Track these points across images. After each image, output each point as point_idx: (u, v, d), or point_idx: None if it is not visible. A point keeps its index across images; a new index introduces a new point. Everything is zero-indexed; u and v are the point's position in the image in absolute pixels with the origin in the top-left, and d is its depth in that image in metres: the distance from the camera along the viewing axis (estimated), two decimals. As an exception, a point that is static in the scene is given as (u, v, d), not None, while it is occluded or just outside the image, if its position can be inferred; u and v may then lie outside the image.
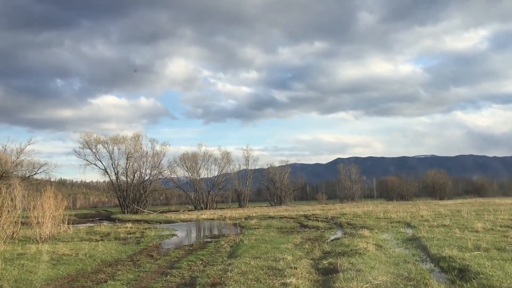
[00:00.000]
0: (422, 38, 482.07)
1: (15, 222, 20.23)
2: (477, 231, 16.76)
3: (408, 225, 21.96)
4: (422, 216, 26.61)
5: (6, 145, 54.29)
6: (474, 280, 8.32)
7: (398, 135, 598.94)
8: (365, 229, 19.27)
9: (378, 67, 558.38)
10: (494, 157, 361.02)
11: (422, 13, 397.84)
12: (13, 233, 19.71)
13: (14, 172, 53.31)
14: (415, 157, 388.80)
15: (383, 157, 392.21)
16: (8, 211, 18.43)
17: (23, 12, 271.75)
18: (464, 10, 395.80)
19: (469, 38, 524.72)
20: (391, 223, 23.41)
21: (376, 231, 19.30)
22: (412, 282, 8.44)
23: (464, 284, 8.22)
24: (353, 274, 9.00)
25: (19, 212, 21.88)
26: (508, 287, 7.48)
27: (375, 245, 13.97)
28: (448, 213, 28.82)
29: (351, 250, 12.60)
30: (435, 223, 21.06)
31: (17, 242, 18.68)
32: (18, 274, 10.97)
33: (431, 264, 11.03)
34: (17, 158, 54.47)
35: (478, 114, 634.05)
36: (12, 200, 20.99)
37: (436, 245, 13.13)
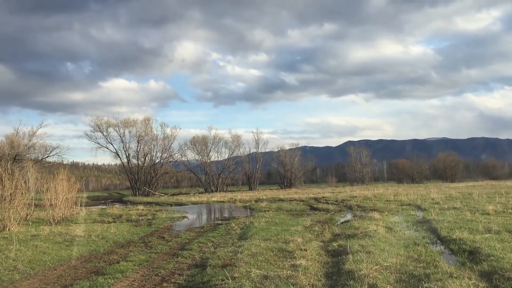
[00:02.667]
0: (433, 19, 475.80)
1: (29, 204, 20.53)
2: (488, 214, 16.68)
3: (419, 207, 21.91)
4: (432, 199, 26.53)
5: (18, 128, 54.85)
6: (484, 262, 8.30)
7: (408, 118, 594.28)
8: (375, 212, 19.28)
9: (389, 49, 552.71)
10: (507, 139, 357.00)
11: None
12: (26, 215, 20.01)
13: (27, 155, 53.94)
14: (425, 139, 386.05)
15: (394, 140, 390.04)
16: (22, 193, 18.70)
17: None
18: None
19: (481, 19, 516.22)
20: (401, 205, 23.37)
21: (386, 213, 19.30)
22: (422, 264, 8.45)
23: (474, 266, 8.20)
24: (362, 256, 9.02)
25: (33, 194, 22.21)
26: (519, 269, 7.45)
27: (385, 227, 13.97)
28: (459, 196, 28.69)
29: (361, 233, 12.62)
30: (446, 206, 20.99)
31: (30, 224, 18.96)
32: (32, 255, 11.16)
33: (441, 246, 11.03)
34: (29, 141, 55.09)
35: (489, 96, 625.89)
36: (25, 182, 21.26)
37: (447, 228, 13.10)
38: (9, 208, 16.68)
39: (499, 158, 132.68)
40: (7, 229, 16.10)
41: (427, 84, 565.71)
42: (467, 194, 30.56)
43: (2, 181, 16.84)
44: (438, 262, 8.62)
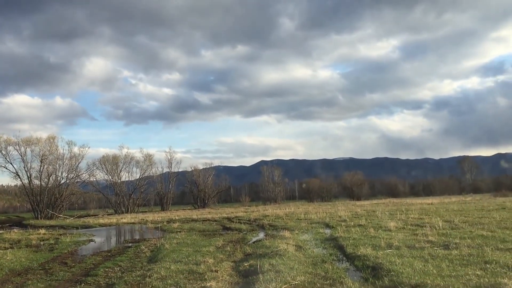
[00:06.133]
0: (339, 46, 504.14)
1: None
2: (390, 230, 17.66)
3: (327, 225, 22.69)
4: (340, 217, 27.61)
5: None
6: (385, 278, 8.73)
7: (318, 139, 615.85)
8: (286, 230, 19.66)
9: (299, 72, 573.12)
10: (406, 159, 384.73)
11: (338, 22, 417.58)
12: None
13: None
14: (334, 159, 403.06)
15: (305, 160, 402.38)
16: None
17: None
18: (377, 21, 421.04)
19: (381, 47, 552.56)
20: (311, 223, 24.06)
21: (297, 232, 19.74)
22: (328, 281, 8.71)
23: (376, 281, 8.60)
24: (272, 275, 9.11)
25: None
26: (416, 283, 7.92)
27: (295, 245, 14.28)
28: (364, 213, 30.17)
29: (271, 252, 12.77)
30: (352, 223, 21.94)
31: None
32: None
33: (347, 263, 11.45)
34: None
35: (390, 119, 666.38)
36: None
37: (352, 245, 13.67)
38: None
39: (400, 177, 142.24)
40: None
41: (334, 107, 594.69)
42: (371, 211, 32.24)
43: None
44: (344, 278, 8.94)
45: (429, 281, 7.98)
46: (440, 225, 18.02)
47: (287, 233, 18.19)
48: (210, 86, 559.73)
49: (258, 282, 8.63)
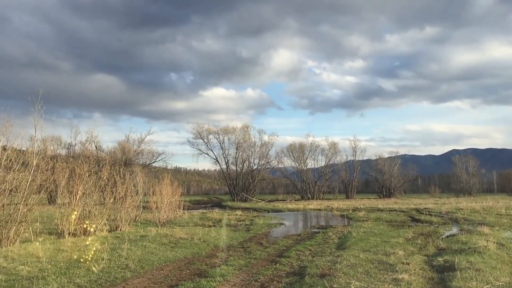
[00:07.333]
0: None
1: (137, 206, 22.06)
2: None
3: (536, 223, 20.03)
4: (552, 214, 24.10)
5: (129, 135, 59.37)
6: None
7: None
8: (485, 226, 17.96)
9: (497, 51, 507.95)
10: None
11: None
12: (135, 216, 21.49)
13: (136, 160, 57.99)
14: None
15: (505, 149, 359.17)
16: (131, 196, 20.15)
17: (140, 12, 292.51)
18: None
19: None
20: (514, 220, 21.52)
21: (497, 228, 17.89)
22: (541, 287, 7.71)
23: None
24: (472, 274, 8.45)
25: (141, 197, 23.81)
26: None
27: (497, 243, 12.95)
28: None
29: (469, 248, 11.83)
30: None
31: (139, 224, 20.30)
32: (142, 255, 11.92)
33: None
34: (139, 147, 59.27)
35: None
36: (134, 186, 22.86)
37: None
38: (121, 209, 18.04)
39: None
40: (119, 229, 17.41)
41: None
42: None
43: (116, 184, 18.24)
44: (561, 285, 7.82)
45: None
46: None
47: (485, 229, 16.60)
48: (395, 72, 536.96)
49: (455, 280, 8.10)
